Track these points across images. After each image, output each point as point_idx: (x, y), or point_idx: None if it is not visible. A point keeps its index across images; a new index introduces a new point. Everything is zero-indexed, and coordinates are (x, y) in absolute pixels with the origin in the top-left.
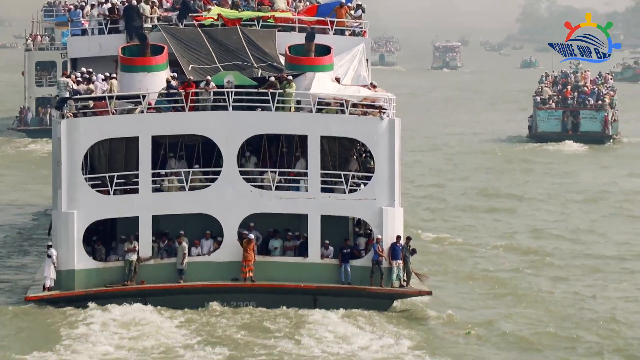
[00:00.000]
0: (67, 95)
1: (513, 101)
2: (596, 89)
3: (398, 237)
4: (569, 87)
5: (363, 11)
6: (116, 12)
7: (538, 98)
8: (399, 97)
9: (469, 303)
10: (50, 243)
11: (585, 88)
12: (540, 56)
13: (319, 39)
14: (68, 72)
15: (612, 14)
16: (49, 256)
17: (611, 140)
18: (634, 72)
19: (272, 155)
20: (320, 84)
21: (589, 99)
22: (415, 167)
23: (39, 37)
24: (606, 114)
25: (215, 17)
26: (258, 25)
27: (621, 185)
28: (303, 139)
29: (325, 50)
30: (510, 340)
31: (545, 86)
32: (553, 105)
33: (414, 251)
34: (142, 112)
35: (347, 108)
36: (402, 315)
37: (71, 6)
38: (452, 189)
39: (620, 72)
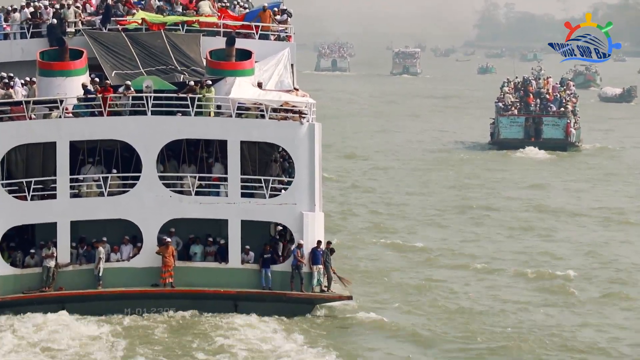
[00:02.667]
0: None
1: (473, 107)
2: (559, 95)
3: (319, 242)
4: (531, 94)
5: (289, 16)
6: (39, 17)
7: (500, 104)
8: (362, 103)
9: (391, 308)
10: None
11: (548, 95)
12: (494, 62)
13: (244, 44)
14: None
15: (569, 19)
16: None
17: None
18: (585, 79)
19: (192, 160)
20: (241, 89)
21: (552, 105)
22: (374, 174)
23: None
24: (568, 121)
25: (140, 22)
26: (183, 29)
27: (588, 195)
28: (223, 144)
29: (246, 54)
30: (430, 343)
31: (508, 92)
32: (515, 111)
33: (332, 251)
34: (60, 117)
35: (267, 113)
36: (323, 320)
37: None
38: (411, 197)
39: (571, 78)
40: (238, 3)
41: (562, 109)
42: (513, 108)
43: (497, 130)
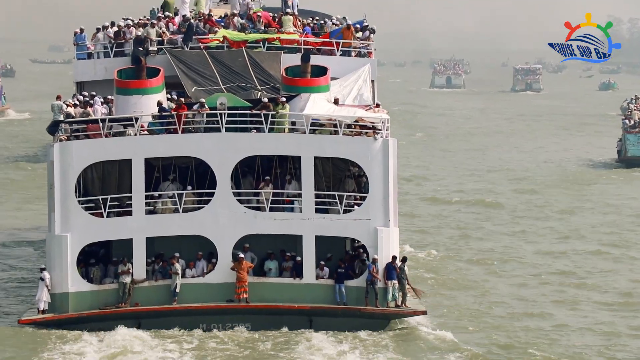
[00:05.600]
0: (61, 118)
1: (599, 124)
2: None
3: (394, 257)
4: None
5: (371, 32)
6: (122, 36)
7: (627, 121)
8: (482, 121)
9: (464, 323)
10: (43, 266)
11: None
12: (613, 78)
13: (324, 61)
14: (62, 96)
15: None
16: (42, 279)
17: None
18: None
19: (266, 176)
20: (315, 105)
21: None
22: (498, 191)
23: None
24: None
25: (221, 40)
26: (264, 47)
27: None
28: (297, 160)
29: (321, 71)
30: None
31: (635, 109)
32: None
33: (404, 259)
34: (135, 134)
35: (340, 129)
36: (398, 335)
37: (77, 30)
38: (535, 216)
39: None
40: (331, 20)
41: None
42: None
43: (624, 147)
